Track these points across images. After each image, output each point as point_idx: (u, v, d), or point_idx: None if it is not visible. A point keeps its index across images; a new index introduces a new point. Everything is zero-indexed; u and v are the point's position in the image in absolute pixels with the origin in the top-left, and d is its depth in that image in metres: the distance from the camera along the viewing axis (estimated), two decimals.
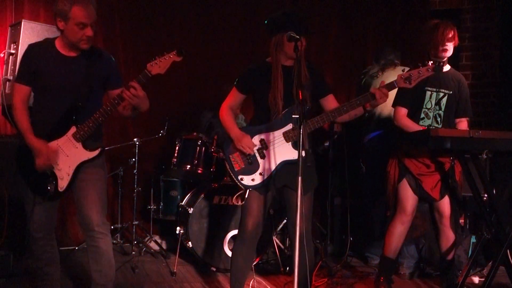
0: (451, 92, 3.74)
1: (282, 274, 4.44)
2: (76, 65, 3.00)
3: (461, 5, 6.15)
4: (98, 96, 3.11)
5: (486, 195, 3.80)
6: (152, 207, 5.16)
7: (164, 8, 5.62)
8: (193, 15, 5.70)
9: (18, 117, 3.01)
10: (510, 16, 5.83)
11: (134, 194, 5.01)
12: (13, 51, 4.54)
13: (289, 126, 3.13)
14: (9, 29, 4.73)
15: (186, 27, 5.67)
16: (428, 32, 3.69)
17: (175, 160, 4.70)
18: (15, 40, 4.56)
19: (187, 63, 5.28)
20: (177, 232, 4.56)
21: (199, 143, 4.65)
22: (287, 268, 4.46)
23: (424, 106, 3.74)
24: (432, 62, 3.08)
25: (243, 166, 3.16)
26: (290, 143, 3.13)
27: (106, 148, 3.32)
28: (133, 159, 4.98)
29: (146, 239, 5.16)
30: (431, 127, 3.70)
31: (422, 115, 3.75)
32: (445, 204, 3.76)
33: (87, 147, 3.01)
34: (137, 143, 4.95)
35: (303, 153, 2.72)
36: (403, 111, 3.75)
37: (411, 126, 3.68)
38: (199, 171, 4.62)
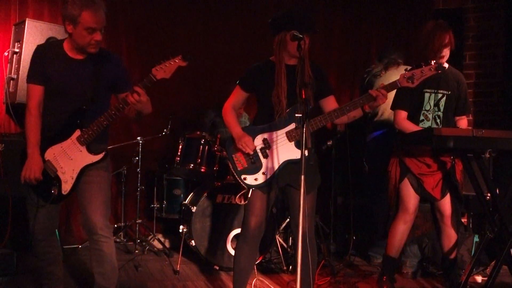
0: (449, 93, 3.73)
1: (285, 273, 4.45)
2: (83, 68, 2.98)
3: (464, 4, 6.13)
4: (105, 99, 3.09)
5: (489, 195, 3.79)
6: (155, 205, 5.18)
7: (168, 8, 5.63)
8: (196, 15, 5.71)
9: (31, 126, 2.97)
10: None
11: (138, 193, 5.03)
12: (17, 50, 4.56)
13: (292, 126, 3.13)
14: (13, 28, 4.75)
15: (189, 27, 5.68)
16: (423, 39, 3.68)
17: (178, 159, 4.70)
18: (19, 39, 4.58)
19: (190, 62, 5.27)
20: (180, 230, 4.57)
21: (202, 142, 4.65)
22: (290, 267, 4.46)
23: (423, 108, 3.74)
24: (435, 61, 3.07)
25: (246, 166, 3.16)
26: (293, 142, 3.13)
27: (109, 147, 3.32)
28: (137, 158, 5.00)
29: (149, 237, 5.18)
30: None
31: (422, 117, 3.74)
32: (446, 203, 3.76)
33: (92, 150, 3.00)
34: (141, 141, 4.97)
35: (306, 153, 2.72)
36: (403, 114, 3.74)
37: (412, 128, 3.67)
38: (202, 170, 4.63)
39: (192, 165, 4.64)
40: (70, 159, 2.98)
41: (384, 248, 3.97)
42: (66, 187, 2.99)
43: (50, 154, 2.99)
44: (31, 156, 2.95)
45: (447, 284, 3.92)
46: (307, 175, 2.72)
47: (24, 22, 4.52)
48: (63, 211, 4.95)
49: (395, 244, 3.84)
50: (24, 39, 4.49)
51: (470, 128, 3.70)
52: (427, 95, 3.72)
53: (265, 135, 3.16)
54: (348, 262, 4.76)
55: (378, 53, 5.27)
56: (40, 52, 3.01)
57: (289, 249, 4.66)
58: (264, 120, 3.19)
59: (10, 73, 4.65)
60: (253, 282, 4.00)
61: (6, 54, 4.72)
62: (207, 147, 4.65)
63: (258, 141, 3.16)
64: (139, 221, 5.01)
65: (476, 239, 4.51)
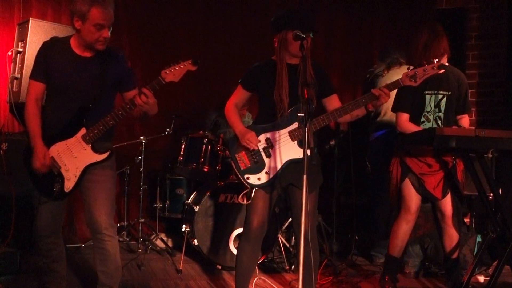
0: (450, 93, 3.72)
1: (287, 272, 4.46)
2: (90, 66, 2.98)
3: (467, 4, 6.13)
4: (110, 98, 3.09)
5: (491, 195, 3.80)
6: (158, 205, 5.19)
7: (169, 7, 5.63)
8: (197, 15, 5.71)
9: (30, 117, 3.00)
10: None
11: (140, 192, 5.04)
12: (21, 49, 4.57)
13: (295, 125, 3.13)
14: (17, 27, 4.76)
15: (190, 27, 5.68)
16: (420, 50, 3.68)
17: (181, 158, 4.71)
18: (23, 39, 4.59)
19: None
20: (183, 230, 4.57)
21: (205, 142, 4.66)
22: (292, 267, 4.47)
23: (424, 110, 3.73)
24: (437, 60, 3.07)
25: (249, 165, 3.16)
26: (295, 142, 3.13)
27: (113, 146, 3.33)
28: (140, 157, 5.01)
29: (152, 237, 5.19)
30: None
31: (423, 119, 3.74)
32: (448, 203, 3.76)
33: (96, 149, 3.01)
34: (144, 141, 4.98)
35: (308, 152, 2.72)
36: (405, 116, 3.73)
37: (414, 130, 3.67)
38: (205, 169, 4.63)
39: (195, 164, 4.65)
40: (74, 157, 2.99)
41: (386, 248, 3.97)
42: (68, 185, 3.00)
43: (54, 151, 3.00)
44: (34, 146, 2.96)
45: (449, 284, 3.92)
46: (309, 174, 2.72)
47: (27, 21, 4.53)
48: (66, 211, 4.96)
49: (397, 244, 3.84)
50: (28, 39, 4.51)
51: (472, 128, 3.69)
52: (427, 96, 3.72)
53: (268, 135, 3.16)
54: (350, 261, 4.76)
55: (380, 53, 5.27)
56: (45, 49, 3.01)
57: (291, 249, 4.67)
58: (266, 119, 3.19)
59: (14, 72, 4.66)
60: (255, 281, 4.01)
61: (9, 53, 4.73)
62: (210, 146, 4.66)
63: (261, 141, 3.16)
64: (142, 220, 5.02)
65: (478, 239, 4.51)
